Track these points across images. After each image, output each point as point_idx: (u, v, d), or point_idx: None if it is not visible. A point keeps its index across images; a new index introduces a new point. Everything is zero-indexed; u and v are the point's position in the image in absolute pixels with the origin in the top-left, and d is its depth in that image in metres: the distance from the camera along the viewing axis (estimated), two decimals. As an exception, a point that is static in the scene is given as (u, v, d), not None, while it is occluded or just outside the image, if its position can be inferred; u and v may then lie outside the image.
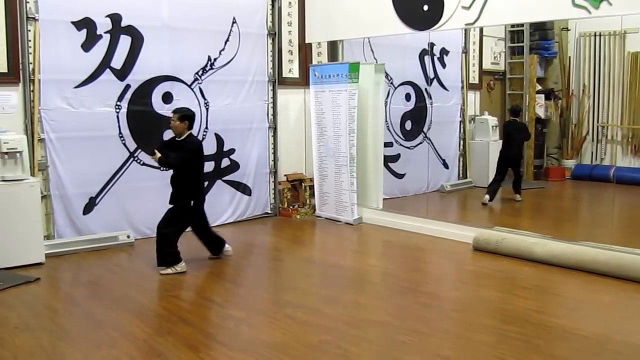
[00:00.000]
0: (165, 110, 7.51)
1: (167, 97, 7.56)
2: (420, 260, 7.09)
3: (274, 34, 8.64)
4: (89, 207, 7.09)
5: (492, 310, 5.16)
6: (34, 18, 6.57)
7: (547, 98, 12.37)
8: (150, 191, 7.44)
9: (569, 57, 12.57)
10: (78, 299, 5.40)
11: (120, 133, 7.22)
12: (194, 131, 7.73)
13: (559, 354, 4.19)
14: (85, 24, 6.89)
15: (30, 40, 6.59)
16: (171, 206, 6.24)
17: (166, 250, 6.04)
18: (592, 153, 12.25)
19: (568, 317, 5.00)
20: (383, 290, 5.75)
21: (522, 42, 12.29)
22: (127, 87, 7.24)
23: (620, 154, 11.89)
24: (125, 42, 7.19)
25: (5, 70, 6.51)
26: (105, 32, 7.03)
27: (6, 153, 6.16)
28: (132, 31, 7.22)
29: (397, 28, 7.86)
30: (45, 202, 6.80)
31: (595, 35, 12.10)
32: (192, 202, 6.26)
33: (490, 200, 9.58)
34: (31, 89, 6.63)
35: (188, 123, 6.13)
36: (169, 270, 6.01)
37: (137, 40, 7.27)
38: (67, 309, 5.27)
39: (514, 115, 9.88)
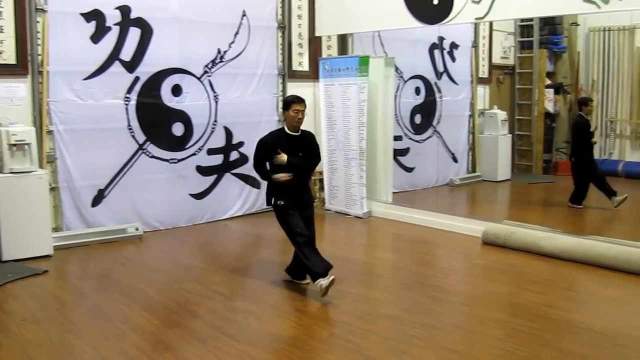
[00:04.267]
0: (174, 102, 7.51)
1: (177, 90, 7.54)
2: (429, 254, 7.06)
3: (284, 27, 8.60)
4: (97, 200, 7.09)
5: (502, 304, 5.16)
6: (42, 9, 6.56)
7: (556, 92, 12.36)
8: (159, 184, 7.46)
9: (578, 52, 12.56)
10: (86, 292, 5.40)
11: (129, 125, 7.20)
12: (204, 124, 7.83)
13: (568, 348, 4.18)
14: (95, 15, 6.87)
15: (39, 32, 6.58)
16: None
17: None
18: (600, 147, 12.20)
19: (577, 311, 5.01)
20: (392, 284, 5.72)
21: (532, 36, 12.29)
22: (137, 79, 7.22)
23: (629, 149, 11.89)
24: (134, 34, 7.17)
25: (14, 62, 6.49)
26: (115, 24, 7.01)
27: (14, 145, 6.15)
28: (141, 23, 7.20)
29: (407, 22, 7.82)
30: (54, 195, 6.80)
31: (604, 31, 12.07)
32: (279, 202, 5.31)
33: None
34: (40, 80, 6.62)
35: None
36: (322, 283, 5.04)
37: (147, 32, 7.25)
38: (75, 301, 5.27)
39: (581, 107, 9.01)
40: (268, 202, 5.43)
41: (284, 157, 5.15)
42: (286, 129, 5.30)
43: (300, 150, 5.27)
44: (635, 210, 8.45)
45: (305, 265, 5.12)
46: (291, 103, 5.22)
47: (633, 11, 10.27)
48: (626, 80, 11.90)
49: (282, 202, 5.24)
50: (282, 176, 5.19)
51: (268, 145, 5.25)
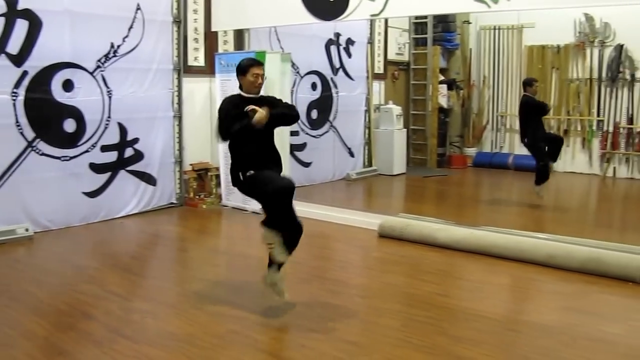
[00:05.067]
0: (65, 98, 7.28)
1: (68, 85, 7.31)
2: (327, 248, 7.18)
3: (179, 22, 8.50)
4: (-17, 200, 6.81)
5: (398, 295, 5.33)
6: None
7: (449, 88, 12.79)
8: (50, 182, 7.22)
9: (470, 49, 13.05)
10: (-27, 296, 5.20)
11: (17, 122, 6.91)
12: (97, 120, 7.65)
13: (462, 335, 4.37)
14: (-23, 6, 6.58)
15: None
16: None
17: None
18: (492, 141, 12.80)
19: (471, 299, 5.22)
20: (290, 279, 5.73)
21: (426, 33, 12.67)
22: (25, 73, 6.93)
23: (519, 142, 12.40)
24: (22, 26, 6.87)
25: None
26: (0, 15, 6.73)
27: None
28: (29, 15, 6.91)
29: (303, 17, 7.89)
30: (-64, 195, 6.49)
31: (494, 29, 12.63)
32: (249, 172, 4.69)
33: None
34: None
35: None
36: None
37: (35, 24, 6.97)
38: (-38, 306, 5.07)
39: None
40: (235, 182, 4.80)
41: (262, 111, 4.46)
42: (243, 93, 4.78)
43: None
44: (524, 201, 8.88)
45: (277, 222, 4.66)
46: (249, 67, 4.70)
47: (520, 11, 10.82)
48: (515, 77, 12.49)
49: (252, 172, 4.66)
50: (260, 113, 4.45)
51: (233, 105, 4.66)
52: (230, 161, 4.83)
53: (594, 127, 11.58)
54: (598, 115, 11.49)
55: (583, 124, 11.69)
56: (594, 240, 6.14)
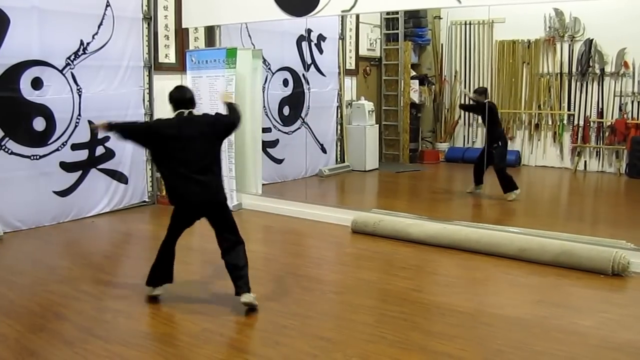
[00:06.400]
0: (35, 96, 7.19)
1: (37, 83, 7.22)
2: (300, 245, 7.20)
3: (150, 18, 8.44)
4: (-49, 200, 6.70)
5: (372, 291, 5.35)
6: None
7: (421, 84, 12.85)
8: (20, 182, 7.13)
9: (442, 44, 13.10)
10: (-59, 298, 5.11)
11: (-15, 121, 6.84)
12: (67, 118, 7.54)
13: (436, 330, 4.42)
14: (-57, 4, 6.47)
15: None
16: None
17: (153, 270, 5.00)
18: (464, 136, 12.86)
19: (444, 294, 5.27)
20: (264, 276, 5.78)
21: (397, 29, 12.70)
22: (-7, 71, 6.87)
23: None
24: (-12, 23, 6.81)
25: None
26: (-34, 13, 6.64)
27: None
28: (-4, 12, 6.84)
29: (274, 14, 7.89)
30: None
31: (465, 24, 12.68)
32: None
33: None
34: None
35: (171, 104, 4.91)
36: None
37: (3, 21, 6.86)
38: None
39: (483, 96, 9.20)
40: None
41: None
42: None
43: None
44: (496, 195, 8.95)
45: None
46: None
47: (490, 7, 10.88)
48: (486, 71, 12.57)
49: None
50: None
51: None
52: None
53: (565, 121, 11.71)
54: (569, 109, 11.61)
55: (554, 118, 11.81)
56: (566, 234, 6.25)
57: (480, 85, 12.11)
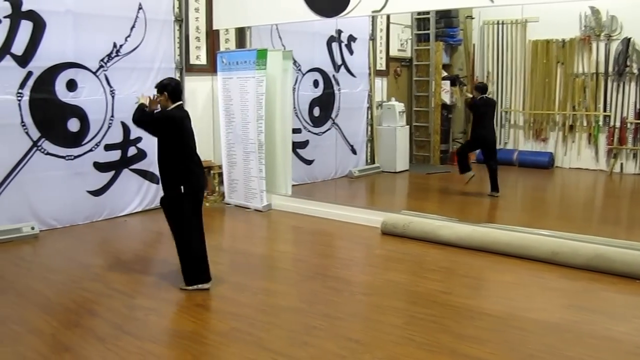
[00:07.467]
0: (69, 98, 7.32)
1: (72, 85, 7.35)
2: (329, 246, 7.21)
3: (181, 20, 8.52)
4: (-10, 199, 6.85)
5: (401, 293, 5.33)
6: None
7: (452, 84, 12.73)
8: (55, 181, 7.27)
9: (474, 45, 13.00)
10: (-21, 294, 5.23)
11: (22, 122, 6.96)
12: (100, 119, 7.66)
13: (466, 333, 4.37)
14: (-18, 8, 6.61)
15: None
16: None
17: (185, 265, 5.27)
18: (496, 137, 12.72)
19: (474, 296, 5.22)
20: (293, 276, 5.82)
21: (428, 29, 12.63)
22: (29, 74, 6.98)
23: (522, 139, 12.42)
24: (26, 27, 6.92)
25: None
26: (5, 17, 6.74)
27: None
28: (33, 16, 6.95)
29: (304, 15, 7.92)
30: (-57, 195, 6.53)
31: (498, 24, 12.55)
32: (182, 188, 5.14)
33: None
34: None
35: (167, 94, 5.15)
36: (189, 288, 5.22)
37: (39, 25, 7.01)
38: (-32, 304, 5.10)
39: (483, 92, 9.56)
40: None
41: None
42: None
43: None
44: (528, 197, 8.88)
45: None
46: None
47: (524, 5, 10.80)
48: (519, 72, 12.44)
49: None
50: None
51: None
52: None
53: (601, 123, 11.50)
54: (604, 110, 11.42)
55: (589, 119, 11.63)
56: (600, 237, 6.12)
57: (513, 85, 12.04)
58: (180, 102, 5.24)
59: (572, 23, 11.43)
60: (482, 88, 9.64)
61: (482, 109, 9.28)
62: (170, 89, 5.16)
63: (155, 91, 5.20)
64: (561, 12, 10.85)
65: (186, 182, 5.13)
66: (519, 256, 6.10)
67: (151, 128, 5.32)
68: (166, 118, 5.16)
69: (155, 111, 5.24)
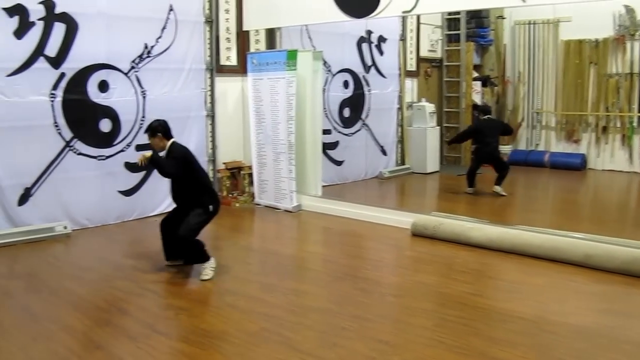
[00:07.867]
0: (101, 98, 7.41)
1: (103, 86, 7.44)
2: (359, 247, 7.19)
3: (211, 22, 8.57)
4: (24, 198, 6.93)
5: (431, 295, 5.29)
6: (-38, 4, 6.38)
7: (483, 85, 12.67)
8: (87, 181, 7.37)
9: (505, 45, 12.89)
10: (13, 292, 5.30)
11: (55, 122, 7.07)
12: (132, 120, 7.73)
13: (496, 336, 4.32)
14: (17, 10, 6.69)
15: (-41, 27, 6.39)
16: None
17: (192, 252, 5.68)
18: (527, 139, 12.63)
19: (505, 299, 5.14)
20: (323, 277, 5.81)
21: (459, 29, 12.55)
22: (62, 75, 7.08)
23: (554, 140, 12.26)
24: (59, 29, 7.02)
25: None
26: (39, 19, 6.85)
27: None
28: (66, 18, 7.05)
29: (334, 15, 7.91)
30: (-22, 194, 6.63)
31: (529, 24, 12.43)
32: (210, 207, 5.64)
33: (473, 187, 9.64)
34: (-38, 77, 6.43)
35: (161, 135, 5.57)
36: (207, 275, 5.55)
37: (72, 27, 7.11)
38: (2, 302, 5.14)
39: (485, 114, 9.84)
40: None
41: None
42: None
43: None
44: (559, 199, 8.77)
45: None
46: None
47: (555, 5, 10.66)
48: (551, 72, 12.30)
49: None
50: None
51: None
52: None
53: (635, 124, 11.32)
54: (639, 111, 11.25)
55: (623, 121, 11.45)
56: (634, 241, 5.96)
57: (545, 86, 11.90)
58: (174, 139, 5.66)
59: (606, 22, 11.26)
60: (484, 110, 9.79)
61: (486, 131, 9.34)
62: (162, 130, 5.55)
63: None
64: (594, 12, 10.65)
65: (215, 201, 5.72)
66: (551, 259, 6.01)
67: (181, 170, 5.56)
68: (182, 155, 5.57)
69: (160, 154, 5.58)
